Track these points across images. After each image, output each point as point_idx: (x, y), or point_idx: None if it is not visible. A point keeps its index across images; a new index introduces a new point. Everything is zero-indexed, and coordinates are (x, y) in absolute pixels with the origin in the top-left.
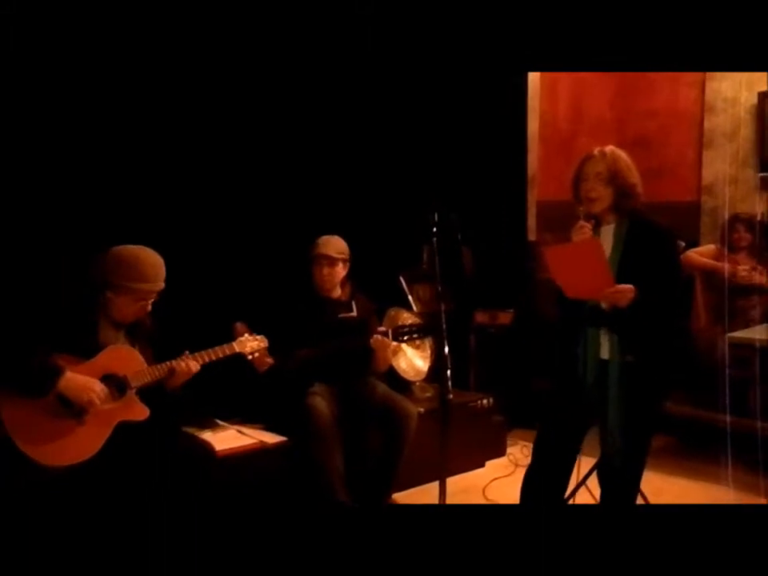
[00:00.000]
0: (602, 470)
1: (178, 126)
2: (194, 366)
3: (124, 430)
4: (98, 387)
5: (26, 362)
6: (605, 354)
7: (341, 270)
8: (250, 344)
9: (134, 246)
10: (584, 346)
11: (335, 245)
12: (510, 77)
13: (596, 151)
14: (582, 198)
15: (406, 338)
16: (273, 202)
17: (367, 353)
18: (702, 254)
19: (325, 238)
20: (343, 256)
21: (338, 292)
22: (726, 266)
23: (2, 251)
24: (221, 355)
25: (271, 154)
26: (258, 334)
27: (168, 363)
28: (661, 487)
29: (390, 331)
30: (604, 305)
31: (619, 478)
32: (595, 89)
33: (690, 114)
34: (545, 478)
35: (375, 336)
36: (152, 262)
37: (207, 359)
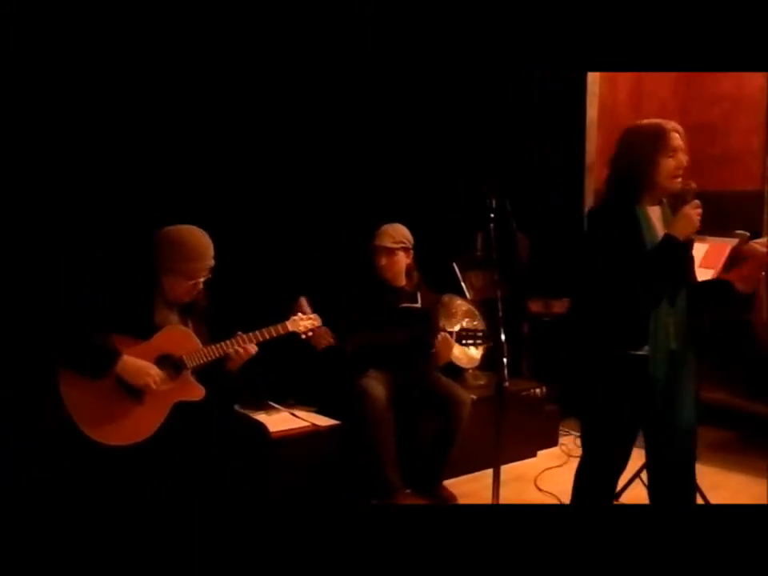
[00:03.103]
0: (658, 466)
1: (233, 111)
2: (252, 348)
3: (181, 409)
4: (154, 371)
5: (85, 345)
6: (673, 343)
7: (401, 259)
8: (304, 323)
9: (180, 226)
10: (654, 338)
11: (392, 234)
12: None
13: (672, 125)
14: (669, 175)
15: (470, 343)
16: (334, 187)
17: (426, 344)
18: (765, 244)
19: (384, 227)
20: (402, 245)
21: (402, 281)
22: None
23: (60, 235)
24: (275, 334)
25: (333, 140)
26: (320, 311)
27: (223, 344)
28: (718, 483)
29: (454, 333)
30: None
31: (683, 472)
32: (657, 74)
33: (755, 100)
34: (609, 478)
35: (442, 334)
36: (197, 241)
37: (261, 338)
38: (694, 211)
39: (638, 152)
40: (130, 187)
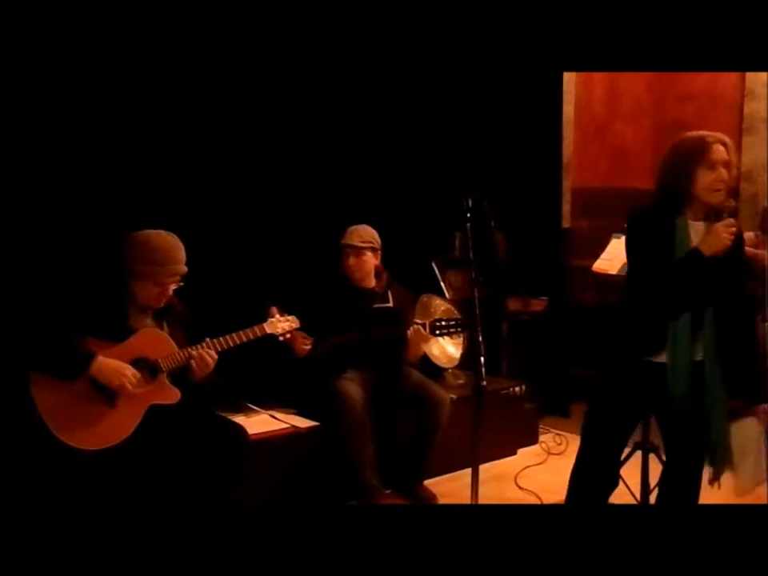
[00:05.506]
0: (679, 473)
1: (209, 114)
2: (210, 358)
3: (156, 412)
4: (130, 371)
5: (57, 347)
6: (698, 354)
7: (369, 259)
8: (281, 325)
9: (150, 231)
10: (672, 352)
11: (360, 234)
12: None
13: (717, 137)
14: (707, 188)
15: (444, 332)
16: (308, 189)
17: (401, 343)
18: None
19: (352, 227)
20: (370, 244)
21: (372, 282)
22: (766, 254)
23: (31, 238)
24: (252, 337)
25: (306, 142)
26: (293, 315)
27: (198, 347)
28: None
29: (427, 324)
30: None
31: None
32: (632, 72)
33: (729, 98)
34: (608, 477)
35: (414, 326)
36: (166, 246)
37: (238, 341)
38: (725, 229)
39: (678, 164)
40: (104, 191)
